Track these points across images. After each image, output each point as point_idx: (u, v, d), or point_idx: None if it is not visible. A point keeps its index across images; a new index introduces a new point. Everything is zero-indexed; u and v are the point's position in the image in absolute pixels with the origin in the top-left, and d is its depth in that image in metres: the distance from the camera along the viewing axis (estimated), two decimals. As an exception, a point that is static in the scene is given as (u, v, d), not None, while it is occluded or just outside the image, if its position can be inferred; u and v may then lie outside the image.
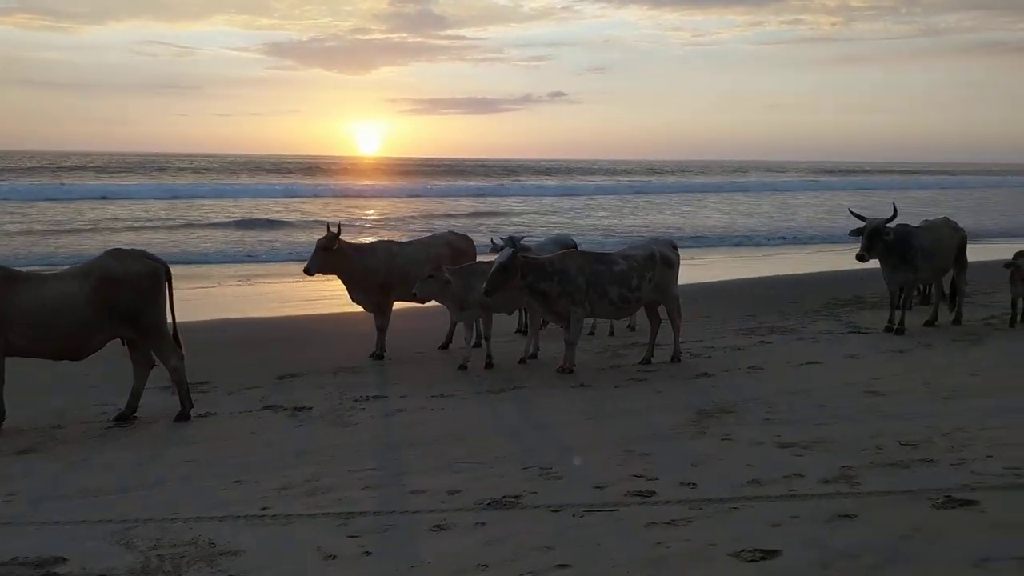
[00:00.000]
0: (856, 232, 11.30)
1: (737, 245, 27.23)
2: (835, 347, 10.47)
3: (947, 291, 12.22)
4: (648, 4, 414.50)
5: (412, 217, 34.82)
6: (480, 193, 49.78)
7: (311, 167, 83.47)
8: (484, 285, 8.85)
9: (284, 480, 5.70)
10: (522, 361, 9.88)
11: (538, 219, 34.42)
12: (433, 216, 34.81)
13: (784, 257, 23.83)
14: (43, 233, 26.16)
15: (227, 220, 31.05)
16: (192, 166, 78.81)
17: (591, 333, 11.80)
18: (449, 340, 10.79)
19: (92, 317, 7.13)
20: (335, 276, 10.27)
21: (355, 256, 10.11)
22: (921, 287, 12.88)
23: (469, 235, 11.43)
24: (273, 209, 36.14)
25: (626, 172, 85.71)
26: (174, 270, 7.86)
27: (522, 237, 12.00)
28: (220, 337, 11.53)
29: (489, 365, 9.60)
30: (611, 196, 49.52)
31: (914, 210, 33.16)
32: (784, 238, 28.62)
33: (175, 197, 40.47)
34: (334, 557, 4.37)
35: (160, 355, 7.49)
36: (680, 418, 7.20)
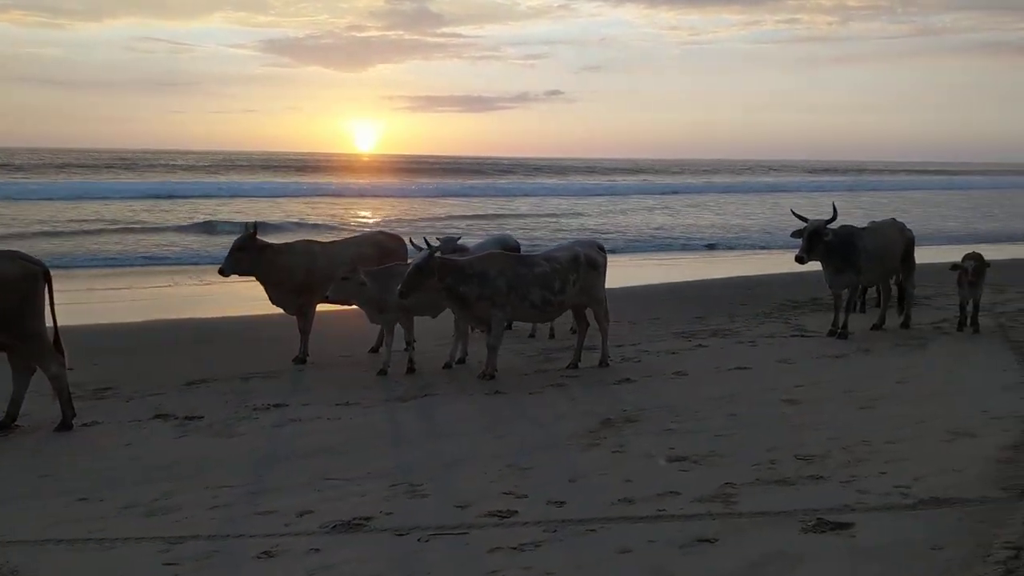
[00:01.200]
0: (797, 234, 10.99)
1: (728, 248, 26.35)
2: (772, 351, 10.17)
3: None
4: (644, 3, 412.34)
5: (401, 219, 33.13)
6: (475, 193, 48.58)
7: (306, 164, 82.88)
8: (399, 287, 8.54)
9: (132, 498, 5.39)
10: (447, 366, 9.57)
11: (530, 222, 32.83)
12: (423, 218, 33.46)
13: (759, 258, 23.52)
14: (12, 237, 25.00)
15: (204, 220, 30.10)
16: (185, 163, 78.20)
17: (531, 335, 11.52)
18: (380, 343, 10.45)
19: (-37, 322, 6.80)
20: (253, 278, 9.92)
21: (273, 256, 9.77)
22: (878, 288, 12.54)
23: (400, 235, 11.08)
24: (258, 209, 35.42)
25: (621, 171, 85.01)
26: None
27: (458, 237, 11.73)
28: (145, 340, 11.24)
29: (411, 370, 9.28)
30: (602, 197, 48.43)
31: (908, 211, 32.89)
32: (776, 240, 27.77)
33: (171, 196, 39.38)
34: (138, 587, 4.06)
35: (39, 362, 7.17)
36: (580, 428, 6.89)
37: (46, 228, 26.88)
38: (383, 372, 9.20)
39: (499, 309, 8.85)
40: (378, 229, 11.83)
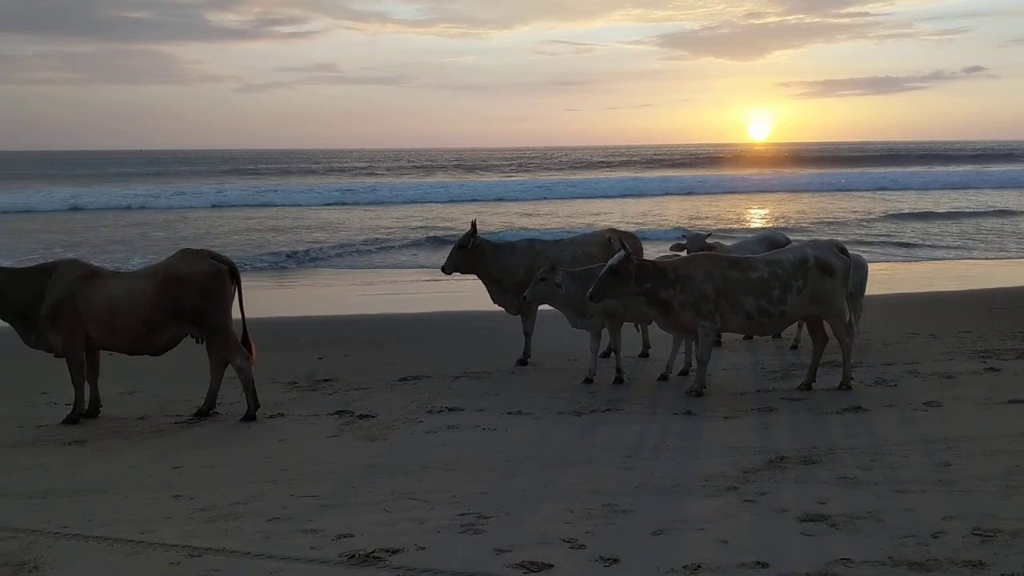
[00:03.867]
0: None
1: None
2: (1079, 382, 8.05)
3: None
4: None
5: (805, 219, 29.41)
6: (896, 185, 44.03)
7: (698, 158, 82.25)
8: (590, 291, 7.90)
9: (215, 500, 5.39)
10: (663, 377, 8.76)
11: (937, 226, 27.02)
12: (832, 219, 29.18)
13: None
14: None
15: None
16: (583, 159, 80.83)
17: (794, 347, 10.23)
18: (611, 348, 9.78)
19: (156, 315, 7.34)
20: (475, 276, 9.81)
21: (493, 255, 9.59)
22: None
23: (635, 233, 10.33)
24: (645, 208, 35.06)
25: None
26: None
27: (708, 234, 10.76)
28: (391, 332, 11.61)
29: (619, 380, 8.60)
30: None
31: None
32: None
33: (543, 197, 40.79)
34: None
35: (225, 354, 7.54)
36: (734, 466, 5.86)
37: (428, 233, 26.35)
38: (588, 380, 8.62)
39: (706, 319, 7.87)
40: (608, 227, 11.13)
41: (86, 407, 7.62)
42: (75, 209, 35.42)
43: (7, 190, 42.19)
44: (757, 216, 32.44)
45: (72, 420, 7.46)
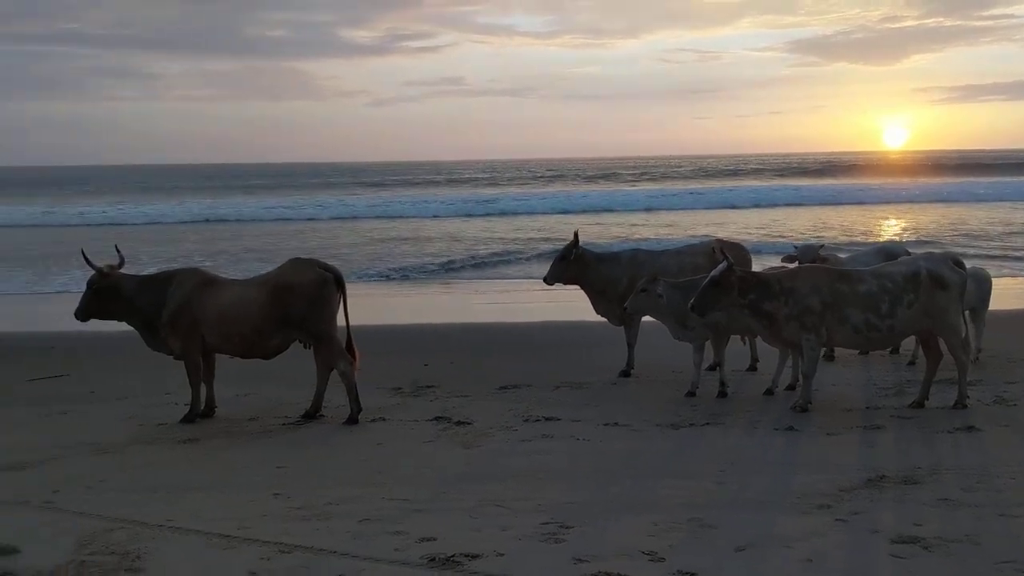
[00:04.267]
0: None
1: None
2: None
3: None
4: None
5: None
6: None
7: (831, 166, 79.87)
8: (691, 302, 7.83)
9: (311, 500, 5.59)
10: (768, 392, 8.58)
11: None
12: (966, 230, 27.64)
13: None
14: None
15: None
16: (708, 168, 79.51)
17: (911, 363, 9.84)
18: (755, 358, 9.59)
19: (266, 323, 7.65)
20: (579, 287, 9.83)
21: (596, 265, 9.59)
22: None
23: (741, 242, 10.15)
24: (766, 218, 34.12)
25: None
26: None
27: (821, 245, 10.49)
28: (500, 340, 11.73)
29: (722, 394, 8.48)
30: None
31: None
32: None
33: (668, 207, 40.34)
34: None
35: (329, 360, 7.80)
36: (832, 484, 5.72)
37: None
38: (691, 393, 8.53)
39: (811, 332, 7.68)
40: (715, 237, 10.95)
41: (202, 407, 8.01)
42: (213, 220, 37.17)
43: (153, 202, 44.73)
44: (887, 227, 31.24)
45: (188, 420, 7.86)
